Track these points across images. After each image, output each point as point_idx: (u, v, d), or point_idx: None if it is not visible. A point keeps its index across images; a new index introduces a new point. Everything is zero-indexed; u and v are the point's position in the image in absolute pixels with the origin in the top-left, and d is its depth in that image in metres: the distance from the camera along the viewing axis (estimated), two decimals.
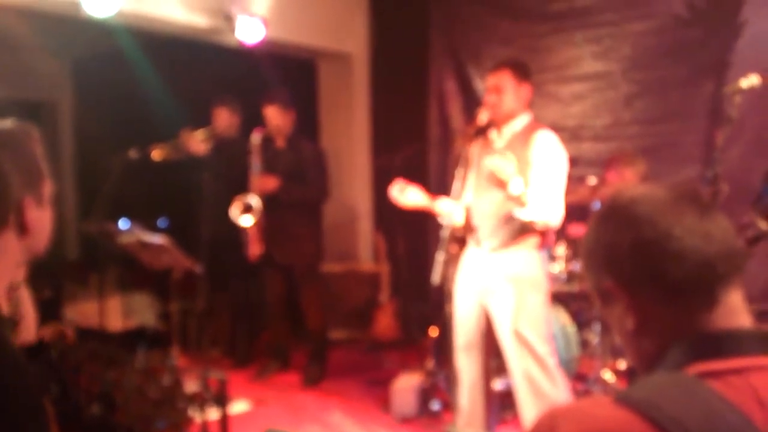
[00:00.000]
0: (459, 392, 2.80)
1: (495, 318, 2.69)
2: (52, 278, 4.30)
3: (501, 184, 2.62)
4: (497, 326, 2.69)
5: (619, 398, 0.76)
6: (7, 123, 1.10)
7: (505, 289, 2.65)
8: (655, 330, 0.84)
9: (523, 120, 2.76)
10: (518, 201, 2.52)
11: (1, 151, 1.03)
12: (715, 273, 0.81)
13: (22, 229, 1.05)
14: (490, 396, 2.86)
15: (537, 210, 2.54)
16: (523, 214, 2.57)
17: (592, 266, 0.89)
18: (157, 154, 4.39)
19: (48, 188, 1.12)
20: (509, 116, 2.73)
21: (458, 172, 2.73)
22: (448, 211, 2.76)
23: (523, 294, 2.63)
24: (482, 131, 2.77)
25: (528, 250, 2.67)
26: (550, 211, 2.58)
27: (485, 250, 2.72)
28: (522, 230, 2.64)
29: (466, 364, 2.78)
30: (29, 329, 1.24)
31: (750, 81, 2.86)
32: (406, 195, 2.77)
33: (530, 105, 2.82)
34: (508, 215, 2.63)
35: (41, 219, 1.09)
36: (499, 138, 2.77)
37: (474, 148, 2.82)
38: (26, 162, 1.07)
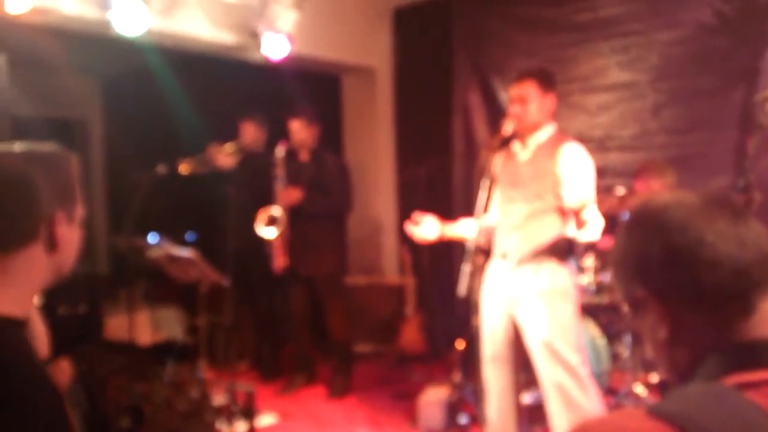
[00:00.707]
0: (487, 406, 2.77)
1: (524, 329, 2.66)
2: (88, 293, 4.34)
3: (526, 199, 2.61)
4: (527, 337, 2.65)
5: (653, 410, 0.74)
6: (48, 145, 1.13)
7: (533, 300, 2.62)
8: (689, 340, 0.82)
9: (548, 131, 2.74)
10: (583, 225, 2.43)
11: (36, 168, 1.06)
12: (751, 280, 0.79)
13: (52, 244, 1.07)
14: (518, 410, 2.82)
15: (596, 224, 2.45)
16: (583, 236, 2.50)
17: (622, 275, 0.88)
18: (184, 168, 4.44)
19: (80, 211, 1.14)
20: (534, 127, 2.71)
21: (483, 185, 2.71)
22: (461, 234, 2.76)
23: (553, 304, 2.59)
24: (507, 142, 2.76)
25: (556, 261, 2.63)
26: (599, 221, 2.50)
27: (512, 262, 2.70)
28: (546, 240, 2.62)
29: (494, 376, 2.75)
30: (42, 347, 1.25)
31: None
32: (422, 229, 2.77)
33: (555, 116, 2.80)
34: (535, 229, 2.61)
35: (71, 237, 1.10)
36: (523, 150, 2.75)
37: (497, 160, 2.81)
38: (60, 180, 1.09)
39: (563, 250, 2.65)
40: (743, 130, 3.80)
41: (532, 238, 2.62)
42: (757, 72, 3.75)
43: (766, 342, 0.78)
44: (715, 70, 3.90)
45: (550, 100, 2.72)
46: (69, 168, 1.12)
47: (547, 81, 2.72)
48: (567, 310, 2.61)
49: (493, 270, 2.78)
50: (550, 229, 2.63)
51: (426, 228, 2.79)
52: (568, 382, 2.55)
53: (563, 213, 2.63)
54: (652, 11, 4.10)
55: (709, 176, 3.92)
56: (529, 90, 2.69)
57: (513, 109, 2.71)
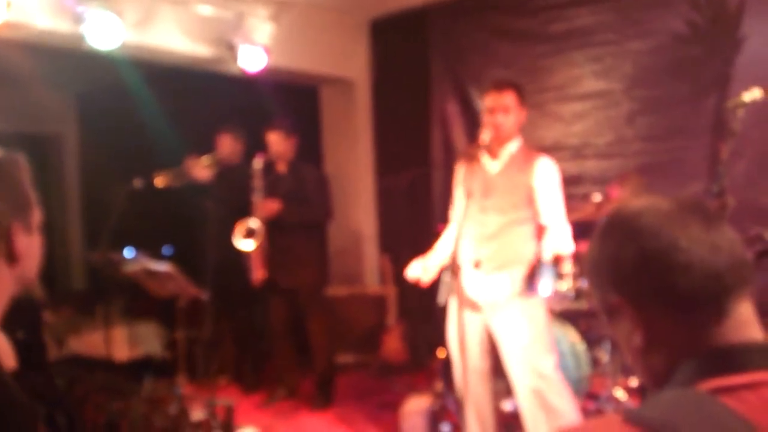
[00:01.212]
0: (467, 415, 2.76)
1: (500, 336, 2.68)
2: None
3: (501, 209, 2.65)
4: (502, 344, 2.67)
5: (629, 416, 0.74)
6: None
7: (509, 307, 2.64)
8: (664, 345, 0.81)
9: (517, 142, 2.80)
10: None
11: None
12: (724, 284, 0.79)
13: (11, 257, 1.04)
14: (498, 417, 2.81)
15: (564, 243, 2.66)
16: (564, 253, 2.66)
17: (596, 282, 0.87)
18: (160, 181, 4.40)
19: (37, 216, 1.10)
20: (507, 138, 2.75)
21: (457, 194, 2.74)
22: (446, 256, 2.78)
23: (528, 310, 2.62)
24: (474, 153, 2.79)
25: (526, 266, 2.70)
26: (569, 232, 2.71)
27: (486, 270, 2.72)
28: (521, 249, 2.67)
29: (473, 386, 2.75)
30: (7, 360, 1.22)
31: (752, 94, 2.86)
32: (420, 275, 2.82)
33: (531, 124, 2.87)
34: (508, 239, 2.66)
35: (31, 246, 1.07)
36: (494, 160, 2.78)
37: (460, 170, 2.86)
38: (12, 190, 1.06)
39: (533, 254, 2.73)
40: (716, 137, 3.86)
41: (507, 247, 2.67)
42: (728, 79, 3.82)
43: (740, 346, 0.78)
44: (688, 78, 3.97)
45: (523, 114, 2.80)
46: (19, 174, 1.08)
47: (522, 94, 2.78)
48: (541, 314, 2.66)
49: (466, 280, 2.79)
50: (525, 239, 2.72)
51: (420, 272, 2.80)
52: (545, 387, 2.57)
53: (536, 223, 2.72)
54: (626, 21, 4.17)
55: (683, 182, 3.98)
56: (510, 100, 2.72)
57: (496, 119, 2.71)
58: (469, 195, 2.71)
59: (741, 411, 0.72)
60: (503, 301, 2.67)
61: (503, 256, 2.67)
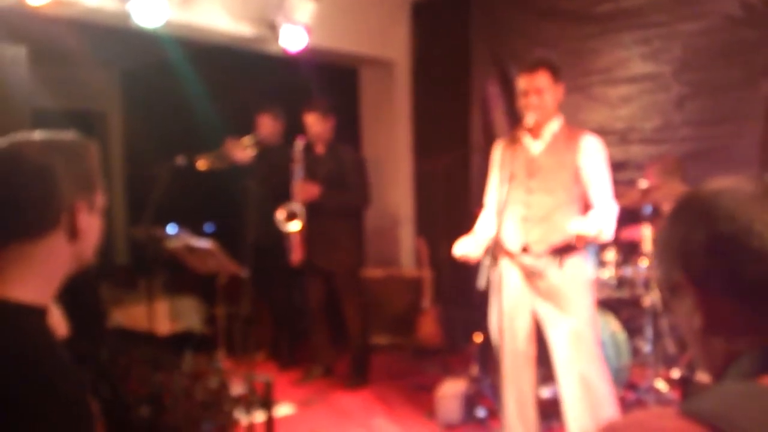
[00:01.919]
0: (506, 400, 2.75)
1: (547, 321, 2.64)
2: (88, 287, 4.20)
3: (548, 189, 2.59)
4: (550, 329, 2.64)
5: (686, 410, 0.71)
6: (68, 134, 1.12)
7: (559, 292, 2.60)
8: (725, 331, 0.79)
9: (559, 121, 2.74)
10: (600, 234, 2.52)
11: (56, 156, 1.06)
12: None
13: (73, 233, 1.07)
14: (537, 404, 2.80)
15: (611, 223, 2.57)
16: (607, 237, 2.57)
17: (663, 259, 0.85)
18: (202, 164, 4.45)
19: (100, 199, 1.14)
20: (548, 117, 2.70)
21: (503, 176, 2.69)
22: (465, 249, 2.73)
23: (578, 295, 2.59)
24: (516, 135, 2.75)
25: (579, 253, 2.63)
26: (614, 213, 2.62)
27: (536, 254, 2.67)
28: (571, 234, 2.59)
29: (514, 371, 2.73)
30: (60, 329, 1.26)
31: None
32: (467, 252, 2.74)
33: (575, 107, 2.80)
34: (556, 222, 2.60)
35: (92, 226, 1.11)
36: (536, 141, 2.73)
37: (499, 153, 2.81)
38: (81, 169, 1.09)
39: (580, 245, 2.62)
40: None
41: (557, 230, 2.60)
42: None
43: None
44: (741, 63, 3.82)
45: (560, 90, 2.72)
46: (89, 156, 1.12)
47: (557, 71, 2.71)
48: (590, 301, 2.62)
49: (511, 263, 2.75)
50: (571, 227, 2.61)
51: (470, 248, 2.73)
52: (592, 373, 2.54)
53: (586, 204, 2.63)
54: (676, 1, 4.03)
55: (733, 170, 3.81)
56: (544, 80, 2.67)
57: (530, 101, 2.67)
58: (512, 177, 2.66)
59: None
60: (551, 286, 2.62)
61: (553, 239, 2.62)
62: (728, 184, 0.82)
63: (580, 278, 2.62)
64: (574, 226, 2.47)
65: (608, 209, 2.59)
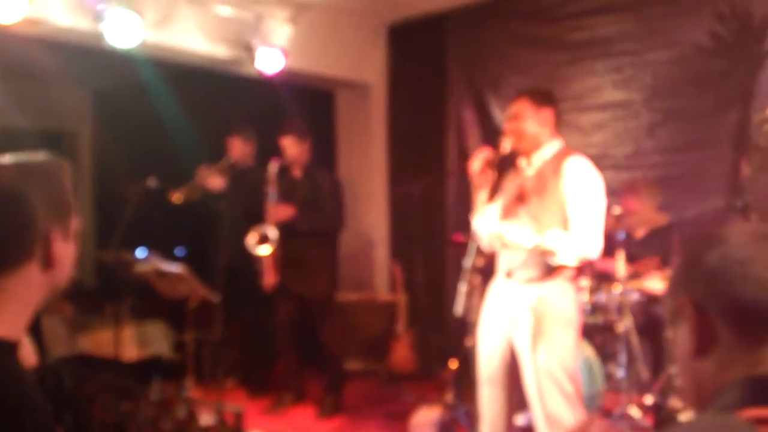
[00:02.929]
0: (481, 428, 2.71)
1: (522, 354, 2.58)
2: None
3: (534, 216, 2.56)
4: (524, 362, 2.58)
5: None
6: (40, 156, 1.08)
7: (535, 325, 2.53)
8: (716, 357, 0.80)
9: (553, 147, 2.68)
10: (546, 253, 2.49)
11: (31, 183, 1.02)
12: None
13: (48, 263, 1.03)
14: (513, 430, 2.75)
15: (573, 250, 2.48)
16: (560, 260, 2.50)
17: (671, 284, 0.88)
18: (176, 198, 4.36)
19: (75, 224, 1.10)
20: (536, 144, 2.67)
21: (480, 202, 2.68)
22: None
23: (555, 331, 2.51)
24: (508, 159, 2.73)
25: (562, 282, 2.57)
26: (588, 247, 2.51)
27: (516, 281, 2.64)
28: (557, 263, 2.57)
29: (489, 398, 2.68)
30: (29, 358, 1.20)
31: None
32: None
33: (558, 131, 2.75)
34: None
35: (66, 253, 1.07)
36: (529, 167, 2.72)
37: (506, 177, 2.79)
38: (55, 195, 1.05)
39: (569, 271, 2.58)
40: (738, 151, 3.79)
41: (539, 257, 2.55)
42: (752, 93, 3.76)
43: None
44: (710, 91, 3.91)
45: (546, 115, 2.67)
46: (63, 179, 1.08)
47: (539, 97, 2.70)
48: (569, 337, 2.54)
49: (495, 289, 2.72)
50: (550, 253, 2.55)
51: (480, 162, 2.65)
52: (564, 412, 2.49)
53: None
54: (648, 31, 4.12)
55: (704, 196, 3.92)
56: (523, 107, 2.67)
57: (508, 126, 2.69)
58: (504, 203, 2.66)
59: None
60: (532, 317, 2.55)
61: (535, 267, 2.57)
62: (742, 225, 0.88)
63: (560, 311, 2.54)
64: (499, 227, 2.47)
65: (576, 237, 2.48)
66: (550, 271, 2.55)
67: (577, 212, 2.52)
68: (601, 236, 2.54)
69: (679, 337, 0.85)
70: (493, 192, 2.70)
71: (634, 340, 3.49)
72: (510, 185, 2.73)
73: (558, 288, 2.56)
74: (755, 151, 2.84)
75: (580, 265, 2.59)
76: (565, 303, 2.57)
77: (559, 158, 2.64)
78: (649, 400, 3.48)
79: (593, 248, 2.52)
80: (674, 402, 3.42)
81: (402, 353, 4.74)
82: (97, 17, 3.58)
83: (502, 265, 2.70)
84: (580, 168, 2.58)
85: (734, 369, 0.78)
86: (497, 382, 2.67)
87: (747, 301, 0.78)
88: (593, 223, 2.52)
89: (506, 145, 2.66)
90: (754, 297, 0.78)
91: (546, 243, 2.48)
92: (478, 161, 2.63)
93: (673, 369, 3.43)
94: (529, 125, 2.65)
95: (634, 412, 3.41)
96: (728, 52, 3.84)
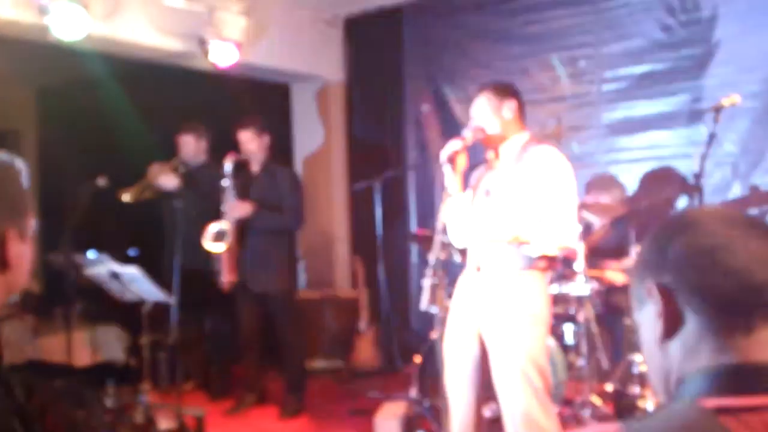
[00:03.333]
0: (450, 422, 2.69)
1: (492, 349, 2.57)
2: None
3: (503, 209, 2.55)
4: (494, 359, 2.56)
5: (629, 429, 0.73)
6: None
7: (506, 322, 2.52)
8: (681, 344, 0.79)
9: (520, 139, 2.65)
10: (523, 245, 2.46)
11: None
12: (760, 300, 0.76)
13: (3, 264, 0.99)
14: (481, 425, 2.74)
15: (551, 239, 2.44)
16: (533, 251, 2.48)
17: (639, 269, 0.86)
18: (127, 197, 4.21)
19: (31, 223, 1.05)
20: (501, 137, 2.65)
21: (445, 198, 2.64)
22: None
23: (525, 328, 2.50)
24: (466, 153, 2.71)
25: (533, 276, 2.55)
26: (564, 234, 2.47)
27: (487, 275, 2.62)
28: (526, 258, 2.54)
29: (458, 392, 2.67)
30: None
31: (731, 99, 2.89)
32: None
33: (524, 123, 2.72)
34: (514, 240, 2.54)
35: (23, 253, 1.03)
36: (496, 159, 2.70)
37: (479, 172, 2.77)
38: (9, 194, 1.02)
39: (544, 261, 2.56)
40: (691, 141, 3.89)
41: (510, 251, 2.54)
42: (702, 86, 3.85)
43: (754, 366, 0.75)
44: (663, 82, 3.99)
45: (509, 107, 2.64)
46: (18, 178, 1.04)
47: (501, 90, 2.67)
48: (539, 333, 2.52)
49: (465, 283, 2.70)
50: (528, 245, 2.53)
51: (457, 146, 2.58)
52: (534, 408, 2.48)
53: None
54: (602, 24, 4.18)
55: (659, 186, 3.99)
56: (483, 101, 2.66)
57: (473, 122, 2.68)
58: (475, 197, 2.63)
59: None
60: (501, 314, 2.53)
61: (506, 260, 2.55)
62: (715, 208, 0.87)
63: (529, 308, 2.52)
64: (512, 233, 2.44)
65: (549, 224, 2.44)
66: (520, 265, 2.54)
67: (548, 201, 2.47)
68: (575, 222, 2.52)
69: (645, 323, 0.84)
70: (462, 185, 2.67)
71: (594, 329, 3.54)
72: (478, 179, 2.72)
73: (528, 282, 2.54)
74: (710, 141, 2.90)
75: (562, 253, 2.58)
76: (535, 298, 2.54)
77: (524, 149, 2.62)
78: (609, 387, 3.54)
79: (570, 235, 2.50)
80: (634, 389, 3.48)
81: (365, 349, 4.71)
82: (42, 10, 3.42)
83: (471, 259, 2.68)
84: (546, 156, 2.53)
85: (699, 357, 0.77)
86: (466, 376, 2.65)
87: (714, 290, 0.77)
88: (566, 210, 2.48)
89: (467, 135, 2.64)
90: (722, 285, 0.77)
91: (523, 235, 2.46)
92: (448, 150, 2.58)
93: (632, 357, 3.49)
94: (489, 119, 2.64)
95: (596, 400, 3.45)
96: (679, 43, 3.93)
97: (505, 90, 2.69)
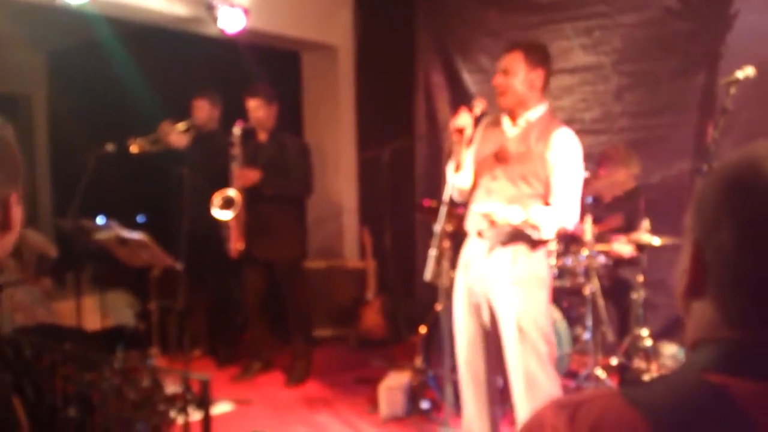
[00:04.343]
0: (462, 390, 2.70)
1: (499, 314, 2.58)
2: None
3: (512, 179, 2.52)
4: (501, 322, 2.57)
5: (633, 398, 0.69)
6: None
7: (509, 287, 2.53)
8: (702, 306, 0.73)
9: (539, 110, 2.60)
10: (525, 226, 2.46)
11: None
12: None
13: (6, 226, 1.02)
14: (494, 393, 2.75)
15: (555, 222, 2.48)
16: (541, 234, 2.50)
17: (692, 205, 0.78)
18: (134, 148, 4.26)
19: (21, 188, 1.07)
20: (522, 104, 2.58)
21: (449, 169, 2.61)
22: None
23: (528, 292, 2.52)
24: (481, 119, 2.66)
25: (533, 246, 2.55)
26: (567, 219, 2.51)
27: (489, 242, 2.60)
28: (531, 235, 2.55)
29: (469, 360, 2.67)
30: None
31: (746, 72, 2.81)
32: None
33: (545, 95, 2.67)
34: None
35: (18, 216, 1.06)
36: (513, 126, 2.64)
37: (480, 133, 2.71)
38: (10, 158, 1.03)
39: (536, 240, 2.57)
40: (704, 115, 3.82)
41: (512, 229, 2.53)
42: (718, 56, 3.76)
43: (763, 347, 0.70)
44: (678, 54, 3.90)
45: (537, 76, 2.56)
46: (11, 141, 1.04)
47: (536, 55, 2.57)
48: (541, 297, 2.55)
49: (469, 251, 2.68)
50: (535, 229, 2.52)
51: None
52: (537, 371, 2.50)
53: (546, 200, 2.55)
54: None
55: (670, 160, 3.94)
56: (516, 62, 2.55)
57: (497, 80, 2.58)
58: (481, 160, 2.58)
59: (753, 413, 0.66)
60: (504, 278, 2.54)
61: (510, 230, 2.54)
62: None
63: (532, 273, 2.54)
64: (484, 206, 2.43)
65: (557, 211, 2.49)
66: (519, 236, 2.53)
67: (561, 184, 2.50)
68: (578, 208, 2.55)
69: (679, 269, 0.78)
70: (468, 145, 2.63)
71: (601, 302, 3.53)
72: (489, 142, 2.66)
73: (528, 252, 2.55)
74: (722, 115, 2.83)
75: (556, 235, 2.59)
76: (539, 263, 2.57)
77: (546, 125, 2.57)
78: (614, 361, 3.54)
79: (572, 220, 2.53)
80: (639, 363, 3.48)
81: (371, 319, 4.73)
82: None
83: (471, 225, 2.66)
84: (569, 141, 2.54)
85: (713, 326, 0.72)
86: (476, 343, 2.66)
87: (739, 261, 0.70)
88: (574, 197, 2.52)
89: (477, 109, 2.60)
90: (749, 260, 0.69)
91: (533, 219, 2.45)
92: (458, 122, 2.54)
93: (638, 331, 3.49)
94: (516, 82, 2.55)
95: (600, 373, 3.46)
96: (695, 14, 3.83)
97: (538, 56, 2.59)
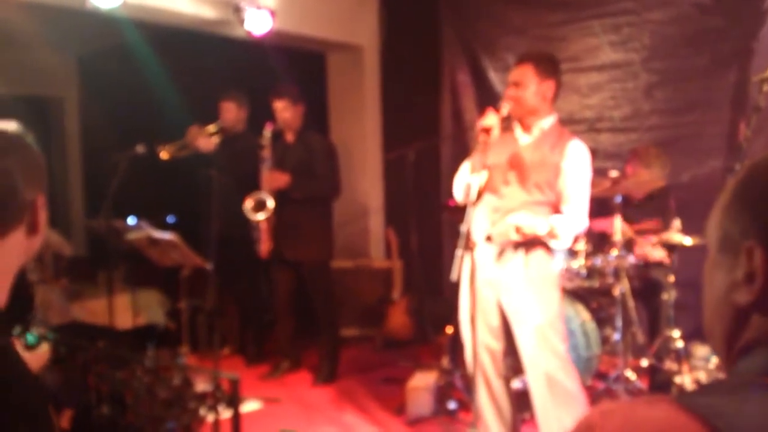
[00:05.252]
0: (479, 393, 2.70)
1: (513, 317, 2.61)
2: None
3: (524, 185, 2.56)
4: (515, 325, 2.60)
5: (688, 404, 0.64)
6: (12, 125, 1.09)
7: (523, 288, 2.57)
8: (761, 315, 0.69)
9: (550, 120, 2.68)
10: (550, 237, 2.56)
11: (12, 156, 1.03)
12: None
13: (33, 228, 1.05)
14: (511, 396, 2.76)
15: (573, 231, 2.60)
16: (561, 243, 2.60)
17: (734, 212, 0.72)
18: (164, 154, 4.31)
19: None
20: (534, 113, 2.65)
21: (475, 167, 2.62)
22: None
23: (542, 292, 2.56)
24: (506, 122, 2.68)
25: (544, 249, 2.61)
26: (581, 226, 2.63)
27: (498, 247, 2.63)
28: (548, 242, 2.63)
29: (485, 364, 2.68)
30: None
31: None
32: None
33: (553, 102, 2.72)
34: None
35: (44, 219, 1.09)
36: (525, 134, 2.68)
37: (493, 141, 2.71)
38: (34, 163, 1.07)
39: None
40: (736, 112, 3.75)
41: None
42: (751, 53, 3.69)
43: None
44: (709, 51, 3.83)
45: (548, 87, 2.63)
46: (36, 148, 1.09)
47: (546, 66, 2.64)
48: (555, 297, 2.60)
49: (481, 255, 2.69)
50: (555, 239, 2.62)
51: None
52: (557, 371, 2.51)
53: (557, 207, 2.62)
54: None
55: (701, 158, 3.88)
56: (527, 74, 2.62)
57: (509, 92, 2.66)
58: (493, 165, 2.62)
59: None
60: (517, 281, 2.58)
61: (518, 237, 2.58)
62: None
63: (544, 274, 2.59)
64: (514, 218, 2.51)
65: (573, 219, 2.57)
66: (530, 240, 2.58)
67: (575, 193, 2.60)
68: (587, 216, 2.66)
69: (723, 275, 0.72)
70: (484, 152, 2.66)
71: (630, 303, 3.48)
72: (500, 146, 2.67)
73: (541, 253, 2.61)
74: (754, 112, 2.78)
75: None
76: (549, 264, 2.62)
77: (559, 135, 2.65)
78: (644, 362, 3.49)
79: (583, 227, 2.66)
80: (670, 364, 3.43)
81: (398, 319, 4.74)
82: None
83: (478, 231, 2.67)
84: (583, 152, 2.63)
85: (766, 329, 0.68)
86: (491, 347, 2.67)
87: None
88: (585, 205, 2.63)
89: (504, 110, 2.61)
90: None
91: (556, 229, 2.54)
92: (488, 120, 2.56)
93: (669, 332, 3.44)
94: (529, 94, 2.62)
95: (630, 374, 3.42)
96: (727, 11, 3.76)
97: (549, 67, 2.66)
